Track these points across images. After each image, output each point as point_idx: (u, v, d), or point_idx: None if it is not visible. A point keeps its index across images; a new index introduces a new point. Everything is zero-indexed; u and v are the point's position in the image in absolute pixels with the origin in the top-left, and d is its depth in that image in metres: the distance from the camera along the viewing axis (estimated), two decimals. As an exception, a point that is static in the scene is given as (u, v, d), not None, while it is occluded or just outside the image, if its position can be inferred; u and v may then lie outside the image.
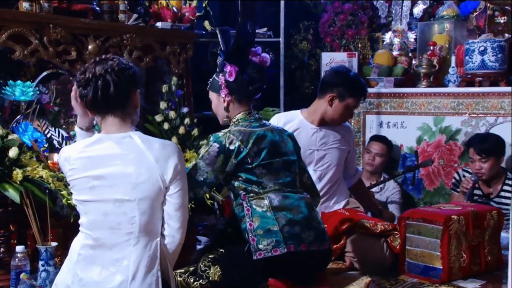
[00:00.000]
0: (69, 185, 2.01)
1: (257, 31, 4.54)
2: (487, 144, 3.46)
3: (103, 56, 1.99)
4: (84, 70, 1.95)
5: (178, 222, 2.00)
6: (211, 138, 2.36)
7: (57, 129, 3.06)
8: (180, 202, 1.99)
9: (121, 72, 1.93)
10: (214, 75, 2.47)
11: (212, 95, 2.51)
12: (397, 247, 2.87)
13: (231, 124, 2.44)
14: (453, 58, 4.10)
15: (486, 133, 3.74)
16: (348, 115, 3.13)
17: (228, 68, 2.38)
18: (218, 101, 2.48)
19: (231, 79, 2.37)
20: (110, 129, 1.97)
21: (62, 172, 2.03)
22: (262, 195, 2.33)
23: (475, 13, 4.30)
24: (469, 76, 4.00)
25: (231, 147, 2.31)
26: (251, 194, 2.34)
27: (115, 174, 1.91)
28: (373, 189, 3.92)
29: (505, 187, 3.49)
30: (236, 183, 2.36)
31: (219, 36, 2.41)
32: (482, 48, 3.84)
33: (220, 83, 2.41)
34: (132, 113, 2.01)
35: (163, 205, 1.99)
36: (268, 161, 2.35)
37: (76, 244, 2.00)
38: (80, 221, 2.00)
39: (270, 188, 2.34)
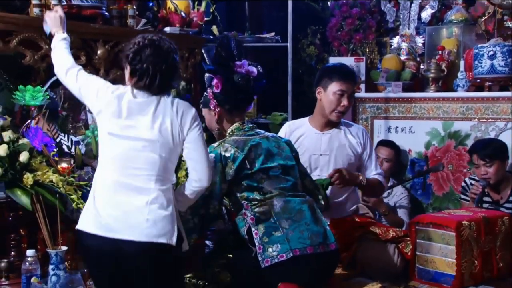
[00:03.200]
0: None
1: (265, 35, 4.55)
2: (490, 149, 3.45)
3: (155, 38, 2.14)
4: (139, 51, 2.10)
5: (203, 165, 2.14)
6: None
7: (65, 134, 3.06)
8: (201, 146, 2.15)
9: (174, 63, 2.14)
10: (205, 92, 2.56)
11: (204, 111, 2.61)
12: (409, 253, 2.86)
13: (226, 136, 2.49)
14: (462, 63, 4.08)
15: (488, 139, 3.73)
16: (337, 102, 3.00)
17: (214, 81, 2.45)
18: (210, 115, 2.56)
19: (218, 90, 2.45)
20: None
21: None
22: (264, 202, 2.35)
23: (484, 18, 4.28)
24: (478, 80, 3.99)
25: (227, 154, 2.36)
26: (254, 202, 2.36)
27: (144, 118, 2.10)
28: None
29: None
30: (238, 193, 2.38)
31: (204, 55, 2.52)
32: (491, 53, 3.82)
33: (209, 97, 2.50)
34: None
35: (177, 155, 2.17)
36: (267, 166, 2.39)
37: (101, 176, 2.16)
38: (103, 158, 2.16)
39: (271, 193, 2.37)
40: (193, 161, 2.15)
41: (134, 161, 2.10)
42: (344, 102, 3.01)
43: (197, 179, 2.16)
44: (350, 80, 3.04)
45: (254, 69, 2.48)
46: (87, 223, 2.12)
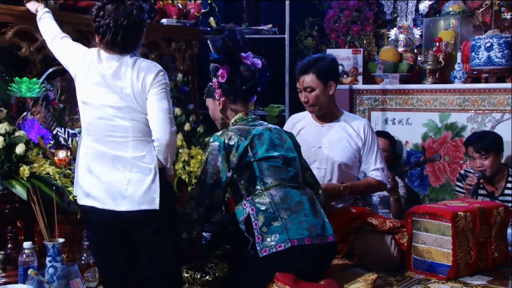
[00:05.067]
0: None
1: (262, 27, 4.54)
2: (486, 141, 3.47)
3: None
4: (102, 7, 2.10)
5: (159, 125, 2.10)
6: (211, 139, 2.43)
7: (62, 126, 3.06)
8: (159, 105, 2.10)
9: (140, 20, 2.12)
10: (210, 82, 2.58)
11: (209, 101, 2.64)
12: (405, 244, 2.87)
13: (229, 126, 2.51)
14: (459, 54, 4.09)
15: (483, 131, 3.75)
16: (301, 98, 3.08)
17: (220, 71, 2.47)
18: (214, 105, 2.60)
19: (223, 80, 2.47)
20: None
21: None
22: (264, 192, 2.36)
23: (481, 9, 4.28)
24: (475, 72, 3.99)
25: (231, 143, 2.38)
26: (254, 193, 2.38)
27: (108, 84, 2.10)
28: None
29: (509, 185, 3.47)
30: (239, 183, 2.40)
31: (210, 45, 2.53)
32: (488, 44, 3.82)
33: (214, 86, 2.52)
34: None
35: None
36: (269, 155, 2.40)
37: (82, 144, 2.20)
38: (83, 126, 2.20)
39: (271, 183, 2.38)
40: (150, 120, 2.12)
41: (107, 129, 2.11)
42: (302, 98, 3.06)
43: (154, 138, 2.12)
44: (302, 74, 3.04)
45: (259, 61, 2.51)
46: (75, 191, 2.23)
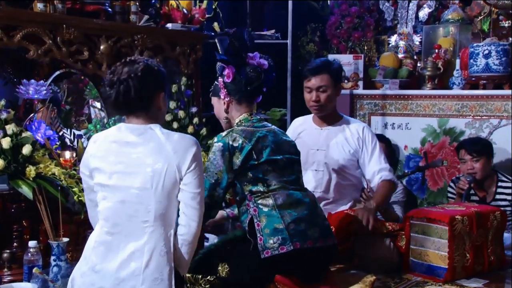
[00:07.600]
0: (88, 175, 2.04)
1: (265, 32, 4.60)
2: (478, 145, 3.52)
3: (133, 58, 2.03)
4: (113, 70, 1.99)
5: (194, 210, 1.99)
6: (215, 139, 2.42)
7: (68, 127, 3.11)
8: (196, 191, 1.99)
9: (144, 77, 1.95)
10: (215, 81, 2.57)
11: (214, 100, 2.61)
12: (404, 247, 2.91)
13: (234, 126, 2.51)
14: (457, 61, 4.14)
15: (475, 137, 3.82)
16: (309, 98, 3.08)
17: (226, 70, 2.46)
18: (219, 105, 2.57)
19: (229, 80, 2.46)
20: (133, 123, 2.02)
21: (83, 162, 2.06)
22: (267, 194, 2.37)
23: (480, 17, 4.34)
24: (473, 79, 4.03)
25: (235, 144, 2.37)
26: (257, 194, 2.38)
27: (135, 163, 1.95)
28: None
29: (499, 190, 3.51)
30: (242, 184, 2.40)
31: (218, 44, 2.51)
32: (486, 52, 3.87)
33: (219, 86, 2.51)
34: (157, 115, 2.05)
35: (177, 196, 2.00)
36: (273, 157, 2.40)
37: (94, 233, 2.04)
38: (98, 209, 2.02)
39: (275, 186, 2.38)
40: (184, 204, 1.99)
41: (128, 213, 1.95)
42: (313, 97, 3.06)
43: (185, 223, 1.99)
44: (316, 75, 3.05)
45: (265, 62, 2.50)
46: None
